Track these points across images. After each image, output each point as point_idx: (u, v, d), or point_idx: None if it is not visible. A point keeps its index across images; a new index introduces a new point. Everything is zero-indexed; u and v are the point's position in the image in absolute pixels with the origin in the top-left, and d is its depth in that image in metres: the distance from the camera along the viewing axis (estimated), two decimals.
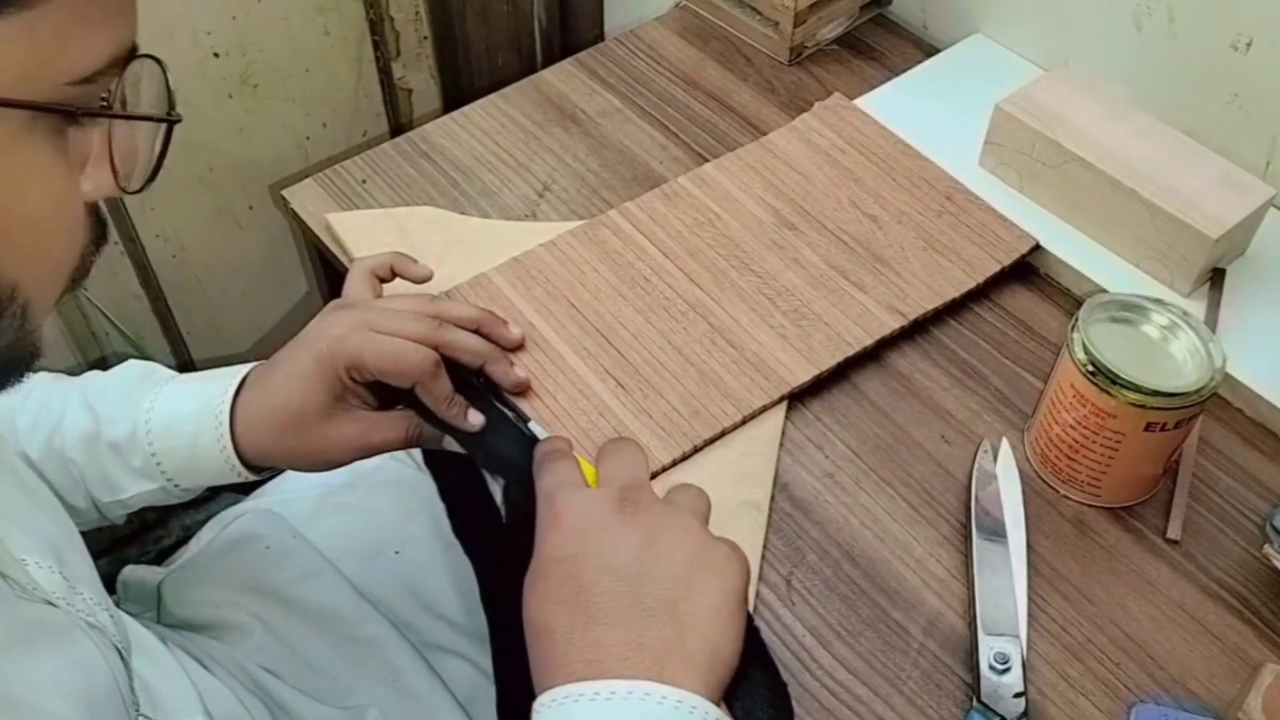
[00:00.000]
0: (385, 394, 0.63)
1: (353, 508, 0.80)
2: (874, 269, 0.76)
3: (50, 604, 0.51)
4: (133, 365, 0.68)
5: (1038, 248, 0.77)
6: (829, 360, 0.71)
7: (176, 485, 0.65)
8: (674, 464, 0.67)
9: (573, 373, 0.70)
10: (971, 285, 0.75)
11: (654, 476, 0.66)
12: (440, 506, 0.77)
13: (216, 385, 0.64)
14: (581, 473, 0.56)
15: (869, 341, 0.72)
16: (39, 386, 0.67)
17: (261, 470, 0.66)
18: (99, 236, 0.44)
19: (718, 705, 0.48)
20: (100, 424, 0.64)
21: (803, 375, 0.70)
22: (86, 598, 0.54)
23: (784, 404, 0.70)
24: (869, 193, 0.81)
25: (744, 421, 0.69)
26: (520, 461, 0.59)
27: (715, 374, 0.70)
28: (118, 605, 0.71)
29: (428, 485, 0.82)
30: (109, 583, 0.76)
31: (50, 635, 0.50)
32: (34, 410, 0.65)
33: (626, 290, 0.75)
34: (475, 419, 0.62)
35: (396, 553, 0.78)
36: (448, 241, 0.79)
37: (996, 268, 0.76)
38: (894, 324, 0.73)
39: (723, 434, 0.68)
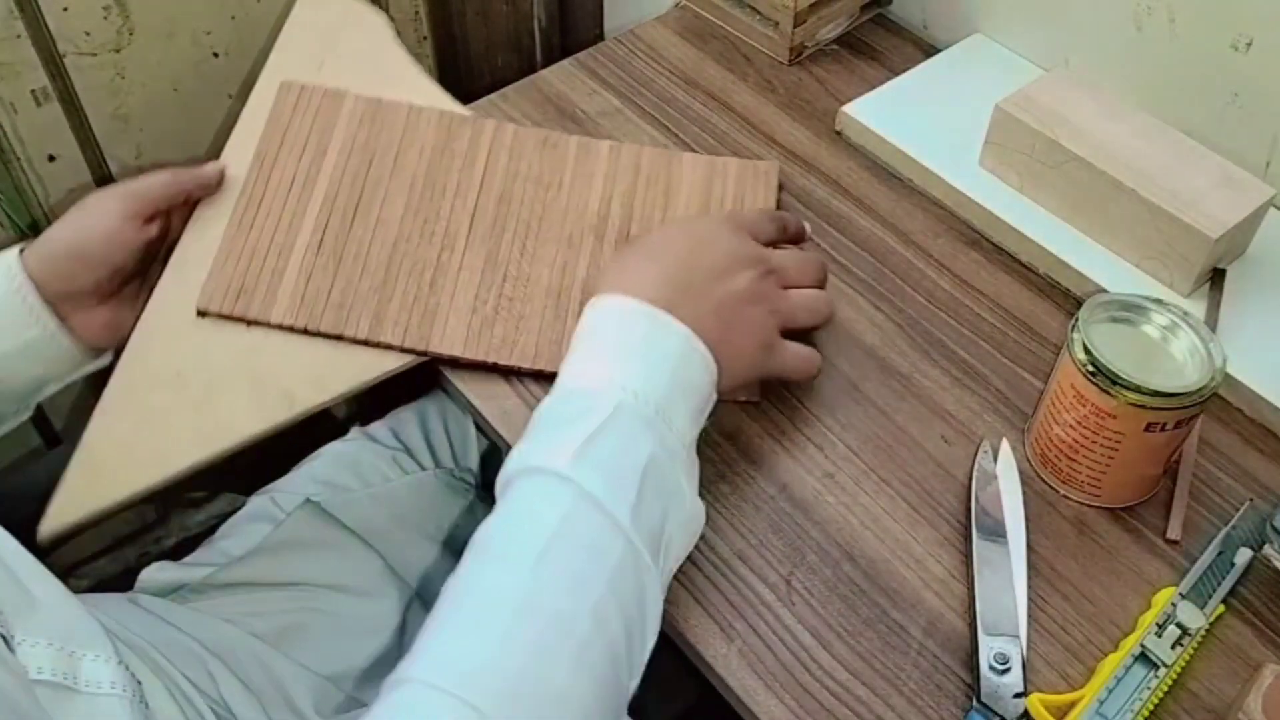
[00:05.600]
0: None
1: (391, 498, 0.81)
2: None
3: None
4: None
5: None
6: (436, 347, 0.70)
7: None
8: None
9: (289, 214, 0.74)
10: None
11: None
12: (444, 508, 0.77)
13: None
14: None
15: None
16: None
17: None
18: None
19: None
20: None
21: (440, 350, 0.70)
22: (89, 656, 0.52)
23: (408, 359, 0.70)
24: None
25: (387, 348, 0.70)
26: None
27: (398, 294, 0.71)
28: (133, 601, 0.71)
29: (432, 482, 0.82)
30: (115, 581, 0.75)
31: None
32: None
33: (421, 186, 0.76)
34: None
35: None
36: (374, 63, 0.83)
37: None
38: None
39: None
